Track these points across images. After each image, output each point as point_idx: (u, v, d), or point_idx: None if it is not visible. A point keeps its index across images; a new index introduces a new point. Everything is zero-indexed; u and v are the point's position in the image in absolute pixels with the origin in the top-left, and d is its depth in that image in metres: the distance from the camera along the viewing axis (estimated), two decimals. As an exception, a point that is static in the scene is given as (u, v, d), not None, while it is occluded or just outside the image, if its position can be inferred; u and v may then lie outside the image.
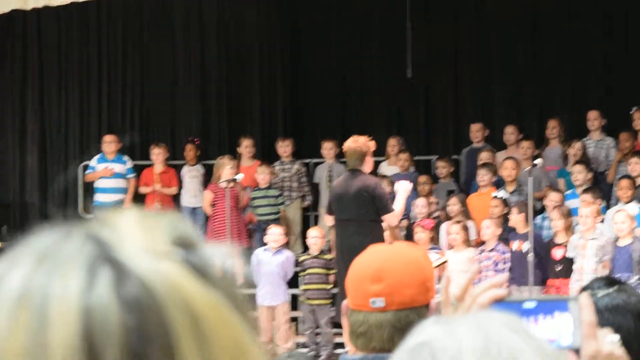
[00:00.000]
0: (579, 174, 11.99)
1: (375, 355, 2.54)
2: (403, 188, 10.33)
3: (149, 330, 0.78)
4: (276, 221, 12.89)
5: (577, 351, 1.75)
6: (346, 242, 9.75)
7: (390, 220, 9.98)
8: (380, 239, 9.62)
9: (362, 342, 2.58)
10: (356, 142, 10.13)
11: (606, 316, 1.98)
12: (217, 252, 0.91)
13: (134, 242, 0.84)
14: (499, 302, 1.77)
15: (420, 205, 12.33)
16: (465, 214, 11.95)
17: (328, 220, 10.69)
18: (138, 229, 0.87)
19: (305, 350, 11.63)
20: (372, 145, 10.26)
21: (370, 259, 2.65)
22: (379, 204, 9.93)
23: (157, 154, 13.68)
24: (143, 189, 13.73)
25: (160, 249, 0.84)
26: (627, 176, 11.75)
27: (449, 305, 1.88)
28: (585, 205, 10.95)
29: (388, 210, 9.95)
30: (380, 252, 2.69)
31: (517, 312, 1.40)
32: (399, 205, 10.13)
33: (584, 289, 2.61)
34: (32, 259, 0.84)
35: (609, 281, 2.59)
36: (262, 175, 13.07)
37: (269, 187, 13.17)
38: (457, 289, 1.86)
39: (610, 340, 1.79)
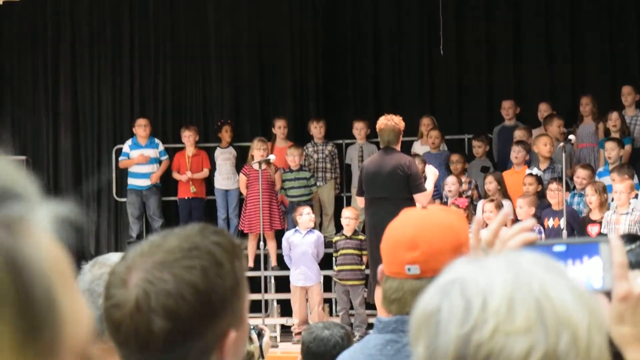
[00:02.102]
0: (612, 151, 11.93)
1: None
2: (432, 172, 10.38)
3: None
4: (308, 202, 12.91)
5: (608, 294, 1.74)
6: (380, 221, 9.72)
7: (421, 199, 10.03)
8: None
9: (397, 307, 2.58)
10: (391, 120, 10.21)
11: None
12: (46, 211, 0.90)
13: None
14: (529, 246, 1.77)
15: (450, 183, 12.34)
16: (502, 192, 11.92)
17: (360, 201, 10.68)
18: None
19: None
20: (403, 125, 10.34)
21: (405, 226, 2.64)
22: (412, 182, 9.98)
23: (188, 137, 13.69)
24: (176, 175, 13.76)
25: None
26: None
27: (480, 250, 1.87)
28: (619, 180, 10.91)
29: (421, 189, 10.01)
30: (414, 218, 2.67)
31: (547, 255, 1.40)
32: (429, 187, 10.19)
33: None
34: None
35: (631, 237, 2.57)
36: (292, 157, 13.08)
37: (300, 169, 13.16)
38: (487, 232, 1.86)
39: None
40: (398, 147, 10.29)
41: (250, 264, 12.70)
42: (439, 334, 1.28)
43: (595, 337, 1.28)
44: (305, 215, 11.94)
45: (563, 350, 1.25)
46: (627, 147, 12.32)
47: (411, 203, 9.84)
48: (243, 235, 13.18)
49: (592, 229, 10.95)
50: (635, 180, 11.63)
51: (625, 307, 1.75)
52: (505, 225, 1.87)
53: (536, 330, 1.25)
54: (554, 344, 1.25)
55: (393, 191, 9.94)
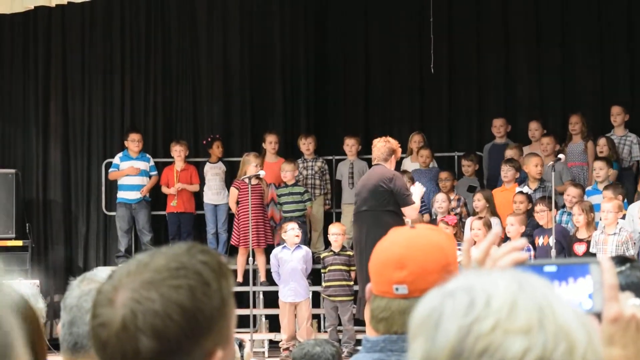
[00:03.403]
0: (601, 170, 11.95)
1: (398, 336, 2.53)
2: (417, 190, 10.49)
3: None
4: (301, 218, 12.90)
5: (598, 315, 1.74)
6: (364, 234, 9.83)
7: (410, 213, 10.16)
8: None
9: (384, 326, 2.58)
10: (388, 141, 10.38)
11: None
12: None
13: None
14: (520, 266, 1.76)
15: (441, 200, 12.35)
16: (491, 209, 11.94)
17: None
18: None
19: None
20: (400, 151, 10.60)
21: (393, 245, 2.64)
22: (398, 197, 10.11)
23: (178, 151, 13.68)
24: (165, 190, 13.75)
25: None
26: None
27: (470, 269, 1.87)
28: (607, 200, 10.94)
29: (408, 202, 10.12)
30: (402, 238, 2.67)
31: (537, 275, 1.41)
32: (416, 201, 10.31)
33: None
34: None
35: (621, 259, 2.58)
36: (284, 172, 13.06)
37: (295, 184, 13.14)
38: (478, 251, 1.85)
39: (632, 303, 1.77)
40: (388, 165, 10.36)
41: (239, 278, 12.68)
42: (439, 328, 1.30)
43: (591, 359, 1.29)
44: (289, 231, 11.95)
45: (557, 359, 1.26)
46: (612, 172, 12.32)
47: (391, 215, 9.97)
48: (232, 249, 13.19)
49: (579, 248, 10.98)
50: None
51: (615, 328, 1.75)
52: (496, 245, 1.87)
53: (535, 333, 1.27)
54: (550, 351, 1.26)
55: (374, 204, 10.05)
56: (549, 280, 1.69)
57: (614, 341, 1.76)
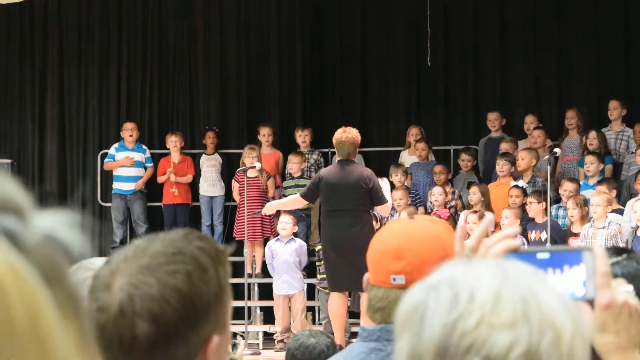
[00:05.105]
0: (591, 165, 11.96)
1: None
2: (387, 186, 10.42)
3: None
4: (306, 211, 12.87)
5: (590, 302, 1.75)
6: (342, 233, 9.76)
7: (384, 211, 10.18)
8: (373, 229, 9.90)
9: (381, 316, 2.59)
10: (350, 132, 10.21)
11: None
12: (48, 220, 0.91)
13: None
14: (513, 253, 1.77)
15: (437, 194, 12.36)
16: (486, 203, 11.94)
17: (299, 202, 10.61)
18: None
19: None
20: (360, 138, 10.45)
21: (391, 236, 2.64)
22: (375, 195, 10.03)
23: (174, 142, 13.67)
24: (160, 179, 13.75)
25: None
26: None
27: (463, 256, 1.88)
28: (596, 194, 10.94)
29: (383, 201, 10.07)
30: (400, 229, 2.67)
31: (530, 262, 1.41)
32: (389, 199, 10.26)
33: None
34: None
35: (617, 250, 2.59)
36: (290, 164, 13.02)
37: (301, 177, 13.09)
38: (471, 239, 1.86)
39: (624, 290, 1.78)
40: (355, 159, 10.35)
41: (249, 270, 12.62)
42: (424, 323, 1.29)
43: (578, 345, 1.29)
44: (280, 224, 11.95)
45: (545, 350, 1.26)
46: (609, 167, 12.33)
47: (369, 215, 10.09)
48: (228, 242, 13.17)
49: (574, 242, 10.98)
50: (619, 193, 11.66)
51: (607, 315, 1.76)
52: (487, 236, 1.87)
53: (520, 326, 1.27)
54: (536, 342, 1.26)
55: (355, 204, 9.96)
56: (543, 267, 1.70)
57: (607, 328, 1.77)
